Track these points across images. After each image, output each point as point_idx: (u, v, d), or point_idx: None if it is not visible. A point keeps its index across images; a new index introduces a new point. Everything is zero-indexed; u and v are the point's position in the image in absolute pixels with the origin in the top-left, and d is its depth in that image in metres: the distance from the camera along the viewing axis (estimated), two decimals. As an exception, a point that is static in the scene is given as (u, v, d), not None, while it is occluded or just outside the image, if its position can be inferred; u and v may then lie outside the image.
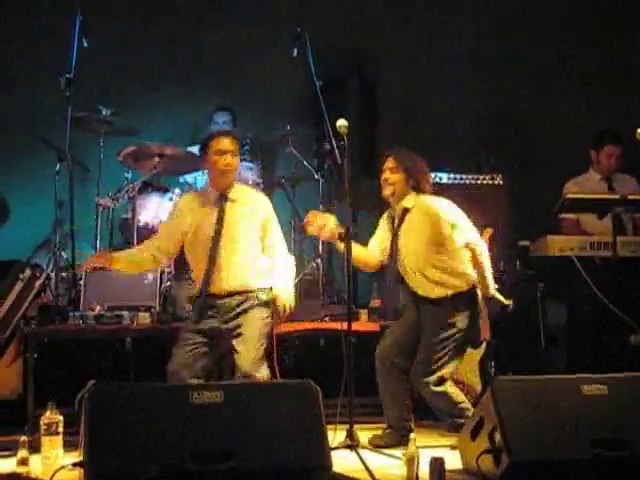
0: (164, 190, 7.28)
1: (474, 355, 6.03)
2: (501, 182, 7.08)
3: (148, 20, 8.18)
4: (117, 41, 7.97)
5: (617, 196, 6.32)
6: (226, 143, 5.46)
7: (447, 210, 5.47)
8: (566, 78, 8.37)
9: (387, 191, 5.58)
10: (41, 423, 4.61)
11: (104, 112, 7.26)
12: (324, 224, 5.41)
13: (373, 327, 6.52)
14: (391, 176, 5.56)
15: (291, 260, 5.71)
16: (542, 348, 6.41)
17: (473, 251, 5.43)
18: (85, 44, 6.79)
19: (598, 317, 6.20)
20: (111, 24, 7.91)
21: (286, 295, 5.49)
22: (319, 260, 7.59)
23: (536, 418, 4.21)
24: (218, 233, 5.44)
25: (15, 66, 7.83)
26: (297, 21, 6.98)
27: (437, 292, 5.46)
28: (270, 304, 5.47)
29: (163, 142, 7.22)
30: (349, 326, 5.19)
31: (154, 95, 8.11)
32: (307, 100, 7.54)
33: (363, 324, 6.55)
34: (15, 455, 4.51)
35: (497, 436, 4.15)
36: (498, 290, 5.46)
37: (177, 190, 7.28)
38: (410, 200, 5.54)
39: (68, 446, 4.64)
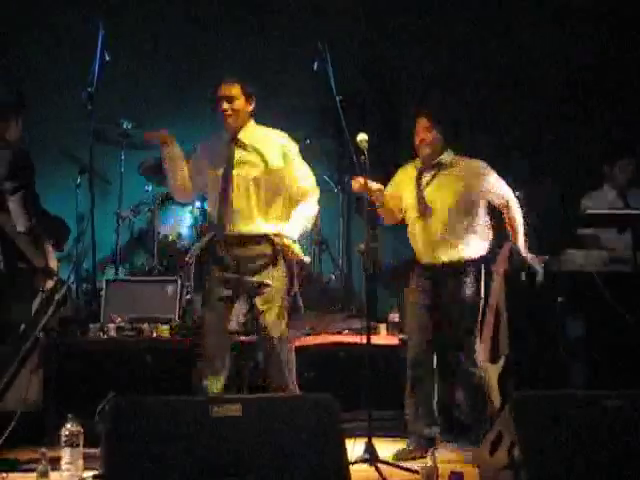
0: (184, 202, 7.31)
1: (493, 369, 6.03)
2: (520, 196, 7.07)
3: (170, 34, 8.23)
4: (139, 55, 8.03)
5: (637, 211, 6.31)
6: (222, 89, 5.48)
7: (488, 167, 5.61)
8: (583, 90, 8.34)
9: (426, 150, 5.64)
10: (61, 435, 4.63)
11: (125, 125, 7.32)
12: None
13: (392, 341, 6.53)
14: (427, 135, 5.63)
15: (310, 204, 5.57)
16: (562, 362, 6.38)
17: (508, 207, 5.55)
18: (107, 58, 6.82)
19: (617, 332, 6.17)
20: (133, 38, 7.97)
21: (286, 236, 5.39)
22: (339, 273, 7.61)
23: (556, 434, 4.19)
24: (225, 176, 5.42)
25: (37, 80, 7.88)
26: (318, 36, 6.99)
27: (461, 254, 5.51)
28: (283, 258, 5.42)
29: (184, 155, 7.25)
30: (368, 339, 5.20)
31: (175, 108, 8.15)
32: (327, 114, 7.56)
33: (382, 337, 6.56)
34: (35, 467, 4.52)
35: (516, 452, 4.14)
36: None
37: (197, 203, 7.31)
38: (448, 156, 5.63)
39: (88, 458, 4.66)
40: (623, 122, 7.98)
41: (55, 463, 4.61)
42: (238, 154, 5.45)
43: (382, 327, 6.67)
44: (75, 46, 7.65)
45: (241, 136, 5.48)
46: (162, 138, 5.57)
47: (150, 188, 7.40)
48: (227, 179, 5.40)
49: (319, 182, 7.55)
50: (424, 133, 5.63)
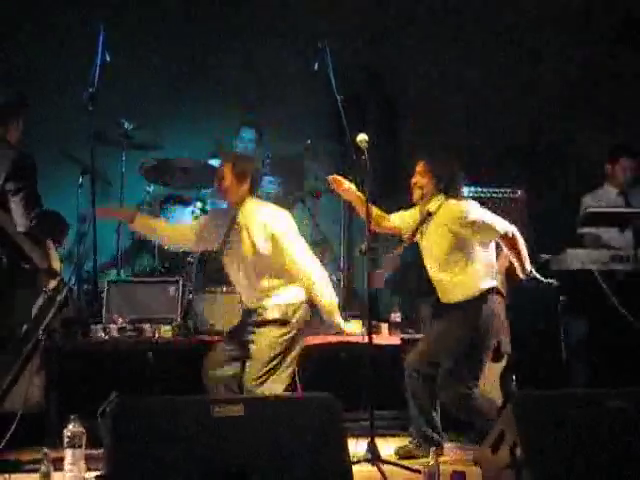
0: (186, 203, 7.32)
1: (495, 369, 6.04)
2: (522, 196, 7.08)
3: (171, 35, 8.23)
4: (140, 56, 8.03)
5: (638, 210, 6.32)
6: (221, 169, 5.58)
7: (471, 209, 5.50)
8: (585, 91, 8.34)
9: (416, 195, 5.65)
10: (64, 436, 4.63)
11: (126, 126, 7.32)
12: (348, 187, 5.60)
13: (394, 340, 6.53)
14: (420, 180, 5.62)
15: (317, 272, 5.56)
16: (563, 362, 6.38)
17: (508, 238, 5.45)
18: (108, 58, 6.82)
19: (619, 331, 6.17)
20: (134, 39, 7.96)
21: (333, 309, 5.50)
22: (340, 274, 7.61)
23: (557, 433, 4.19)
24: (225, 252, 5.56)
25: (38, 80, 7.88)
26: (318, 36, 6.99)
27: (456, 296, 5.50)
28: (287, 321, 5.45)
29: (185, 156, 7.28)
30: (370, 339, 5.21)
31: (176, 109, 8.16)
32: (328, 115, 7.56)
33: (384, 337, 6.56)
34: (38, 469, 4.52)
35: (518, 451, 4.14)
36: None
37: (198, 204, 7.32)
38: (436, 203, 5.57)
39: (91, 459, 4.67)
40: (625, 121, 7.98)
41: (58, 464, 4.61)
42: (233, 234, 5.53)
43: (384, 327, 6.67)
44: (76, 47, 7.64)
45: (238, 215, 5.53)
46: (124, 217, 5.74)
47: (151, 189, 7.40)
48: (227, 256, 5.58)
49: (321, 181, 7.65)
50: (417, 177, 5.66)
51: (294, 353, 5.47)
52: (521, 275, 5.45)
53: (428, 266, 5.62)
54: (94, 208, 6.68)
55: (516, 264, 5.46)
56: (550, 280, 5.52)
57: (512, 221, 6.01)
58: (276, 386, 5.34)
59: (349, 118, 6.83)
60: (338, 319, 5.47)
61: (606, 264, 6.25)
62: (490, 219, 5.47)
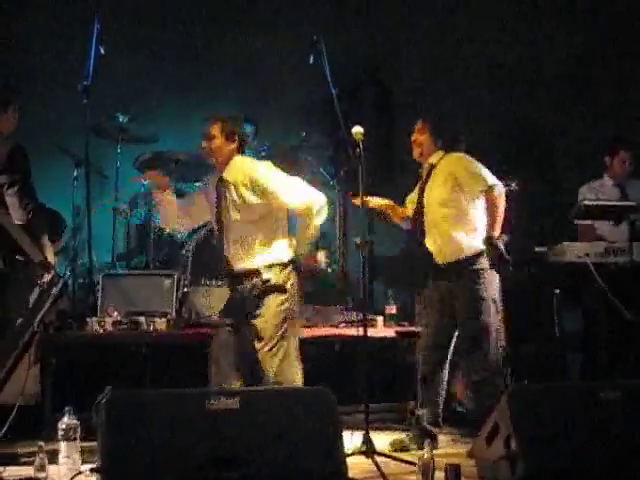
0: (181, 196, 7.31)
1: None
2: (516, 188, 7.07)
3: (165, 28, 8.23)
4: (134, 48, 8.02)
5: (634, 203, 6.33)
6: (207, 128, 5.45)
7: (468, 161, 5.62)
8: (580, 83, 8.34)
9: (415, 152, 5.75)
10: (58, 428, 4.63)
11: (121, 119, 7.32)
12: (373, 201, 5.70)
13: (389, 333, 6.54)
14: (418, 137, 5.72)
15: (312, 216, 5.44)
16: (558, 354, 6.40)
17: (493, 194, 5.52)
18: (102, 51, 6.81)
19: (614, 323, 6.18)
20: (128, 31, 7.96)
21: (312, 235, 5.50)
22: (335, 266, 7.61)
23: (552, 425, 4.21)
24: (218, 214, 5.43)
25: (33, 73, 7.87)
26: (313, 29, 6.99)
27: (451, 253, 5.55)
28: (283, 285, 5.38)
29: (180, 149, 7.27)
30: (364, 331, 5.21)
31: (171, 102, 8.15)
32: (323, 107, 7.55)
33: (379, 330, 6.56)
34: (33, 461, 4.53)
35: (513, 443, 4.15)
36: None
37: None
38: (437, 157, 5.68)
39: (85, 452, 4.67)
40: (624, 114, 7.98)
41: (52, 456, 4.61)
42: (223, 194, 5.43)
43: (379, 319, 6.67)
44: (70, 39, 7.64)
45: (225, 174, 5.44)
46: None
47: (146, 182, 7.39)
48: (218, 220, 5.45)
49: (316, 174, 7.65)
50: (416, 134, 5.74)
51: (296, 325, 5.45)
52: (484, 238, 5.46)
53: (426, 219, 5.64)
54: (89, 201, 6.69)
55: (486, 224, 5.49)
56: (507, 257, 5.51)
57: (507, 214, 6.04)
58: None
59: (345, 110, 6.85)
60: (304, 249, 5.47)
61: (601, 256, 6.25)
62: (486, 170, 5.58)
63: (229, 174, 5.39)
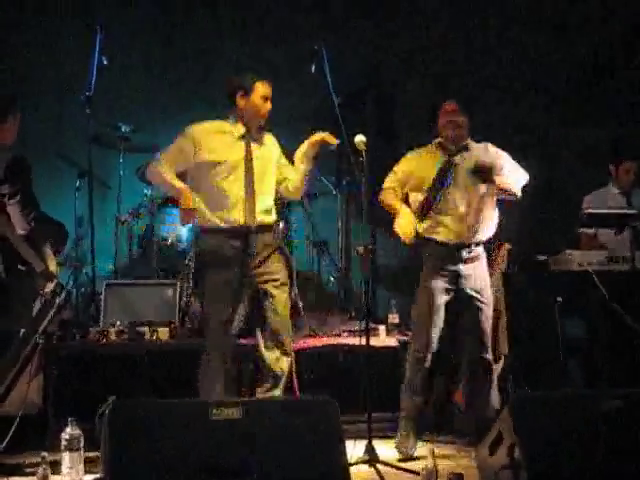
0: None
1: (493, 369, 6.04)
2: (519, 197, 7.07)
3: (168, 38, 8.24)
4: (137, 59, 8.04)
5: (636, 211, 6.34)
6: (269, 90, 5.50)
7: (501, 153, 5.78)
8: (583, 92, 8.34)
9: (460, 132, 5.71)
10: (62, 439, 4.63)
11: (124, 129, 7.33)
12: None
13: (391, 342, 6.53)
14: (462, 118, 5.71)
15: None
16: (561, 362, 6.39)
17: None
18: (105, 62, 6.83)
19: (616, 331, 6.18)
20: (131, 42, 7.98)
21: None
22: (338, 274, 7.62)
23: (555, 434, 4.20)
24: (249, 168, 5.43)
25: (36, 84, 7.88)
26: (315, 37, 7.00)
27: (479, 235, 5.61)
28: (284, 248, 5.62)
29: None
30: (367, 341, 5.21)
31: (173, 112, 8.15)
32: (325, 116, 7.55)
33: (381, 340, 6.56)
34: (36, 471, 4.52)
35: (516, 452, 4.14)
36: None
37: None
38: (471, 141, 5.77)
39: (88, 462, 4.67)
40: (630, 123, 7.98)
41: (56, 467, 4.61)
42: (254, 148, 5.49)
43: (381, 329, 6.67)
44: (73, 50, 7.66)
45: (254, 134, 5.52)
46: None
47: (149, 192, 7.40)
48: (250, 172, 5.42)
49: (318, 183, 7.66)
50: (454, 115, 5.67)
51: None
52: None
53: (457, 203, 5.61)
54: (92, 211, 6.70)
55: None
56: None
57: (510, 219, 6.06)
58: None
59: (347, 118, 6.84)
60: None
61: (603, 265, 6.25)
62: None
63: (256, 134, 5.57)
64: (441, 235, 5.57)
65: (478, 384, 5.62)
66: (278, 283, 5.40)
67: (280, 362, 5.36)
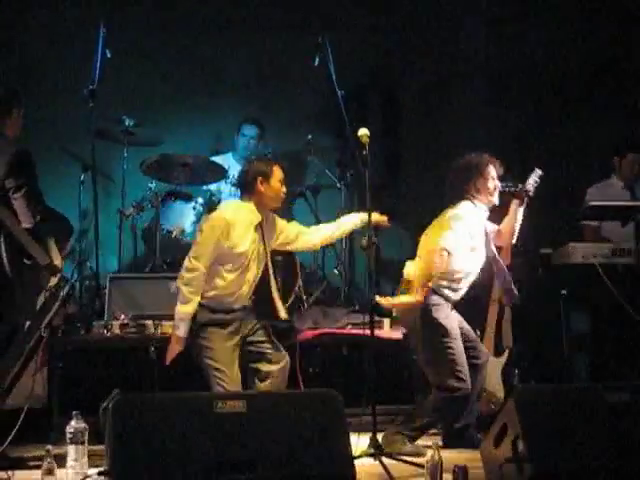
0: (187, 198, 7.33)
1: (497, 362, 6.04)
2: (524, 189, 7.05)
3: (171, 31, 8.22)
4: (140, 52, 8.01)
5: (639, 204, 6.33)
6: (282, 172, 5.58)
7: None
8: (587, 85, 8.32)
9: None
10: (66, 432, 4.63)
11: (127, 123, 7.32)
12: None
13: (395, 335, 6.53)
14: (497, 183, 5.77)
15: None
16: (565, 355, 6.39)
17: None
18: (109, 55, 6.83)
19: (621, 324, 6.17)
20: (134, 35, 7.95)
21: None
22: (341, 268, 7.61)
23: (560, 426, 4.20)
24: (264, 255, 5.53)
25: (39, 77, 7.87)
26: (319, 31, 6.99)
27: None
28: None
29: (186, 152, 7.28)
30: (371, 334, 5.21)
31: (177, 105, 8.15)
32: (329, 109, 7.56)
33: (386, 332, 6.56)
34: (41, 465, 4.53)
35: (520, 444, 4.14)
36: None
37: (200, 199, 7.32)
38: None
39: (93, 455, 4.67)
40: (633, 116, 7.96)
41: (60, 460, 4.61)
42: (266, 235, 5.59)
43: (385, 322, 6.67)
44: (77, 43, 7.64)
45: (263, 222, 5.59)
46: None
47: (153, 185, 7.39)
48: (267, 264, 5.57)
49: (322, 176, 7.66)
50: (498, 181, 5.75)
51: None
52: None
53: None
54: (96, 205, 6.70)
55: None
56: None
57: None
58: None
59: (351, 111, 6.85)
60: None
61: (607, 257, 6.24)
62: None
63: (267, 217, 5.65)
64: None
65: None
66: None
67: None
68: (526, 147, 8.22)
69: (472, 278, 5.60)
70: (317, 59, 6.81)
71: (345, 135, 5.84)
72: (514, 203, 5.81)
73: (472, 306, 5.84)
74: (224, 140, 8.21)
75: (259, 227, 5.49)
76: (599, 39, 8.22)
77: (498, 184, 5.66)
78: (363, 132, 5.31)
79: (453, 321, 5.54)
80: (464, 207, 5.58)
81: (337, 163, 7.94)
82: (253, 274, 5.48)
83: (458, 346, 5.48)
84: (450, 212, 5.58)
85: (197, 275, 5.31)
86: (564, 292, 6.34)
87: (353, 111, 7.02)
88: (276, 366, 5.44)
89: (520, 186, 5.84)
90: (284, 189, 5.58)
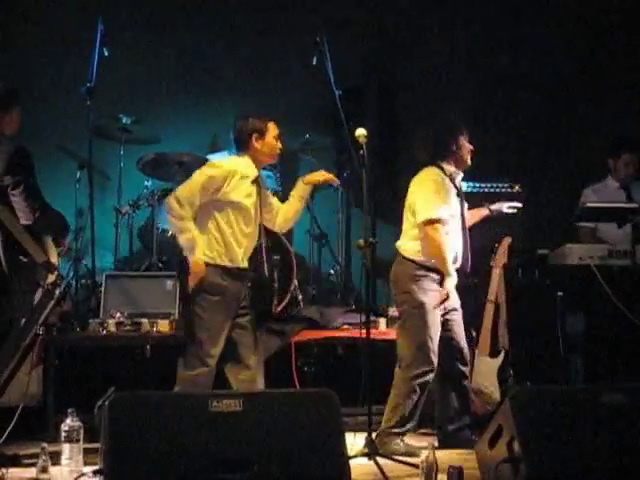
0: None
1: (493, 363, 6.04)
2: (520, 190, 7.06)
3: (168, 29, 8.21)
4: (138, 50, 8.02)
5: (636, 205, 6.32)
6: (277, 127, 5.57)
7: None
8: (583, 86, 8.33)
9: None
10: (61, 430, 4.63)
11: (124, 120, 7.32)
12: None
13: (391, 335, 6.53)
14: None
15: None
16: (561, 357, 6.39)
17: None
18: (106, 53, 6.83)
19: (617, 326, 6.17)
20: (132, 33, 7.95)
21: None
22: (338, 268, 7.61)
23: (555, 428, 4.20)
24: (257, 213, 5.49)
25: (36, 75, 7.86)
26: (316, 30, 6.98)
27: None
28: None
29: (183, 150, 7.27)
30: (367, 334, 5.21)
31: (174, 104, 8.15)
32: (326, 109, 7.55)
33: (382, 332, 6.56)
34: (36, 462, 4.53)
35: (516, 446, 4.14)
36: None
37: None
38: None
39: (88, 453, 4.67)
40: (628, 116, 7.96)
41: (55, 458, 4.61)
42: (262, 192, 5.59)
43: (382, 321, 6.67)
44: (74, 41, 7.63)
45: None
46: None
47: (149, 183, 7.39)
48: (259, 215, 5.52)
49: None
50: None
51: None
52: None
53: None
54: (92, 202, 6.70)
55: None
56: None
57: (510, 216, 6.06)
58: None
59: (348, 112, 6.84)
60: None
61: (604, 259, 6.23)
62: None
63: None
64: None
65: None
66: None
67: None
68: (523, 148, 8.24)
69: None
70: (315, 58, 6.80)
71: (342, 134, 5.83)
72: (485, 208, 5.85)
73: (468, 307, 5.85)
74: (221, 138, 8.20)
75: (256, 182, 5.47)
76: (598, 39, 8.24)
77: None
78: (360, 132, 5.31)
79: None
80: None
81: (334, 163, 7.94)
82: (251, 230, 5.42)
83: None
84: None
85: (176, 207, 5.27)
86: (560, 293, 6.34)
87: (350, 111, 7.00)
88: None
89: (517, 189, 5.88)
90: (279, 145, 5.55)
